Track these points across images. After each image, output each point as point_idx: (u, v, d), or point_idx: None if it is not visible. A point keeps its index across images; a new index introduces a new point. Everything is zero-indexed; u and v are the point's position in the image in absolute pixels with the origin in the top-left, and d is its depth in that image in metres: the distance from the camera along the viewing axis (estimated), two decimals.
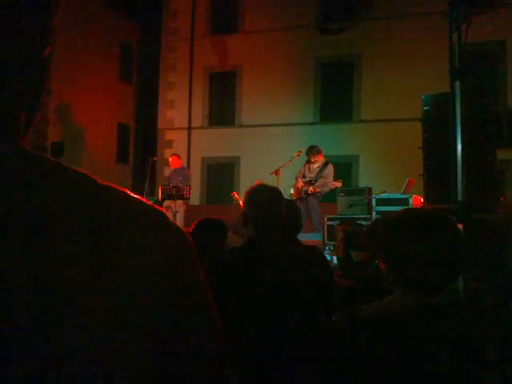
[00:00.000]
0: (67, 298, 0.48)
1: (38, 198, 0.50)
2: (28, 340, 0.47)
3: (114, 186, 0.57)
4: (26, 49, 0.54)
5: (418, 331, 1.33)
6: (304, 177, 7.99)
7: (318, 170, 7.95)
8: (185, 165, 15.60)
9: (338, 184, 7.84)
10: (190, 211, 9.42)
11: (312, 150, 8.06)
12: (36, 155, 0.53)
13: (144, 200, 0.58)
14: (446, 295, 1.38)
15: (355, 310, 1.41)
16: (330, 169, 8.00)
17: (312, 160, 8.04)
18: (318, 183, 7.79)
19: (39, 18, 0.55)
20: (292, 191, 7.99)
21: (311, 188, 7.69)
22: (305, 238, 4.97)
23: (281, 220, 2.11)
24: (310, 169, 8.04)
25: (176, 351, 0.54)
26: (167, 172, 11.95)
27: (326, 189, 7.86)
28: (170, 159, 9.47)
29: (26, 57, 0.54)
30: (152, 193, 10.09)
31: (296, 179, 8.05)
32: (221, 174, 15.72)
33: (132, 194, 0.58)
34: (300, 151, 8.36)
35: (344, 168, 13.50)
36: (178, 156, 9.62)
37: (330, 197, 8.55)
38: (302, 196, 7.76)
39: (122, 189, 0.57)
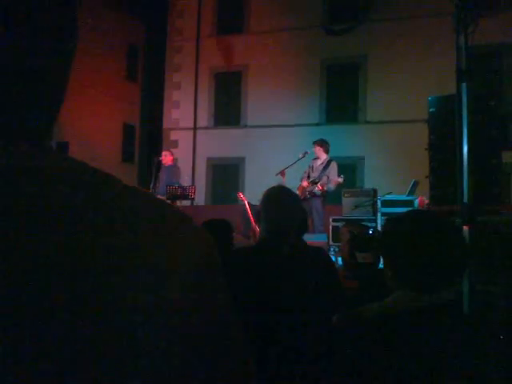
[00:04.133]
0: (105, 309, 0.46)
1: (60, 200, 0.47)
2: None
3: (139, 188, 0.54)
4: (54, 37, 0.53)
5: (414, 331, 1.34)
6: (309, 177, 7.97)
7: (321, 168, 7.93)
8: (190, 165, 15.65)
9: (340, 180, 7.73)
10: (194, 212, 9.41)
11: (315, 142, 8.17)
12: (60, 155, 0.52)
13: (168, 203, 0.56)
14: (443, 296, 1.38)
15: (356, 311, 1.42)
16: (333, 167, 7.93)
17: (314, 151, 8.08)
18: (321, 182, 7.76)
19: (66, 8, 0.54)
20: (297, 192, 7.93)
21: (319, 186, 7.61)
22: (309, 239, 4.97)
23: (294, 224, 2.10)
24: (313, 168, 8.02)
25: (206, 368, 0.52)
26: None
27: (331, 186, 7.78)
28: (167, 155, 9.24)
29: (54, 47, 0.53)
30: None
31: (301, 180, 8.03)
32: (226, 174, 15.72)
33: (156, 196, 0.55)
34: (306, 152, 8.33)
35: (349, 169, 13.48)
36: (171, 153, 9.55)
37: (334, 198, 8.53)
38: (307, 197, 7.72)
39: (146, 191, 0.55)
